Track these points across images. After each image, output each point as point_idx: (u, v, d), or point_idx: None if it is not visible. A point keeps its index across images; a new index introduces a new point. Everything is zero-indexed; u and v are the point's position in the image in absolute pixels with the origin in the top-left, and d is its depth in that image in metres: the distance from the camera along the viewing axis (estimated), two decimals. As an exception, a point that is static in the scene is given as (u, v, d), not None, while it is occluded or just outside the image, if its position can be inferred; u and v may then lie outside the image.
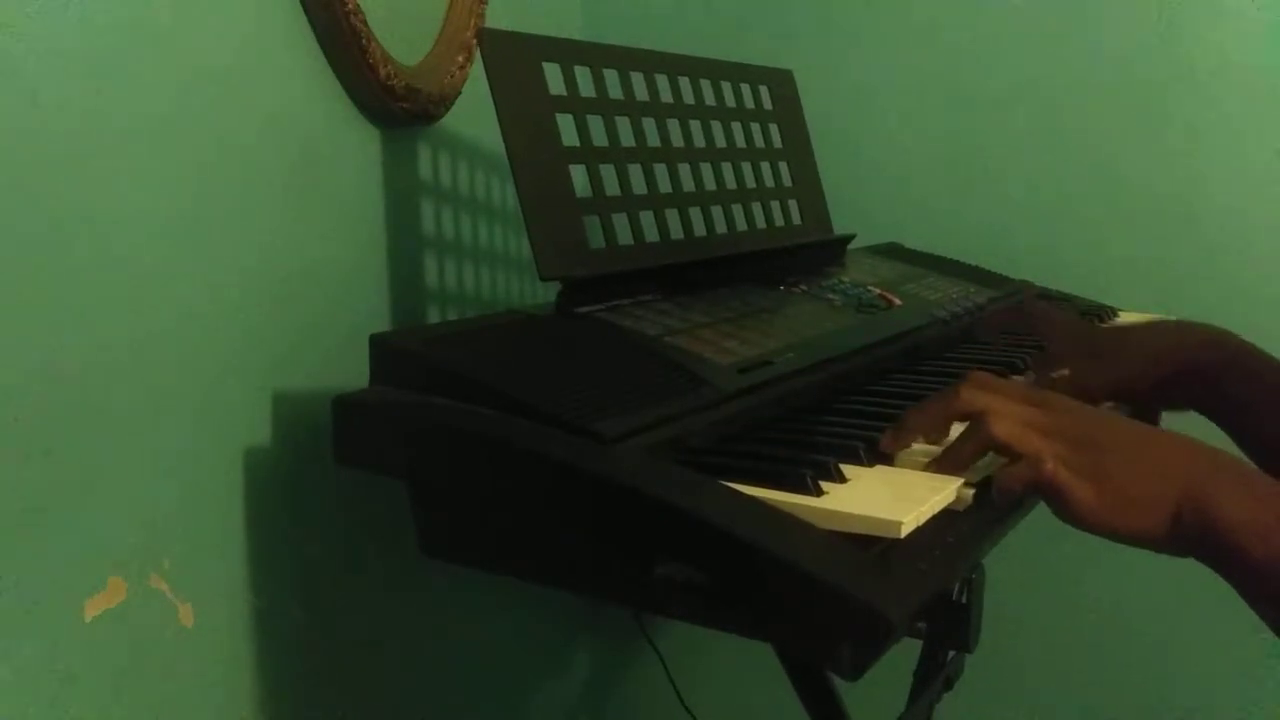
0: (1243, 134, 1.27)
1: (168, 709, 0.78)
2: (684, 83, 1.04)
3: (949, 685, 1.01)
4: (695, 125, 1.04)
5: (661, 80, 1.01)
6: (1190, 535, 0.61)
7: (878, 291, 1.08)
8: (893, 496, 0.61)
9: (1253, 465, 0.64)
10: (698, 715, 1.48)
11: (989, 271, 1.28)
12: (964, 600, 0.58)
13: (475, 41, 1.04)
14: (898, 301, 1.07)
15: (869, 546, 0.56)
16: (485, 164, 1.16)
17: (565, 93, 0.89)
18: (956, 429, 0.68)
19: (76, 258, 0.70)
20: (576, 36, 1.24)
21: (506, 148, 0.83)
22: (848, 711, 1.10)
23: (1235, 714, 1.33)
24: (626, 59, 0.98)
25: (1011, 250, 1.33)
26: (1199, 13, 1.27)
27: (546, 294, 0.86)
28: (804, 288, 1.03)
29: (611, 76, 0.95)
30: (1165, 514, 0.61)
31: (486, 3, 1.08)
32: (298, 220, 0.89)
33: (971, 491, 0.63)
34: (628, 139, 0.95)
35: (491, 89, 0.83)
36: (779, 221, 1.14)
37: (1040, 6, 1.33)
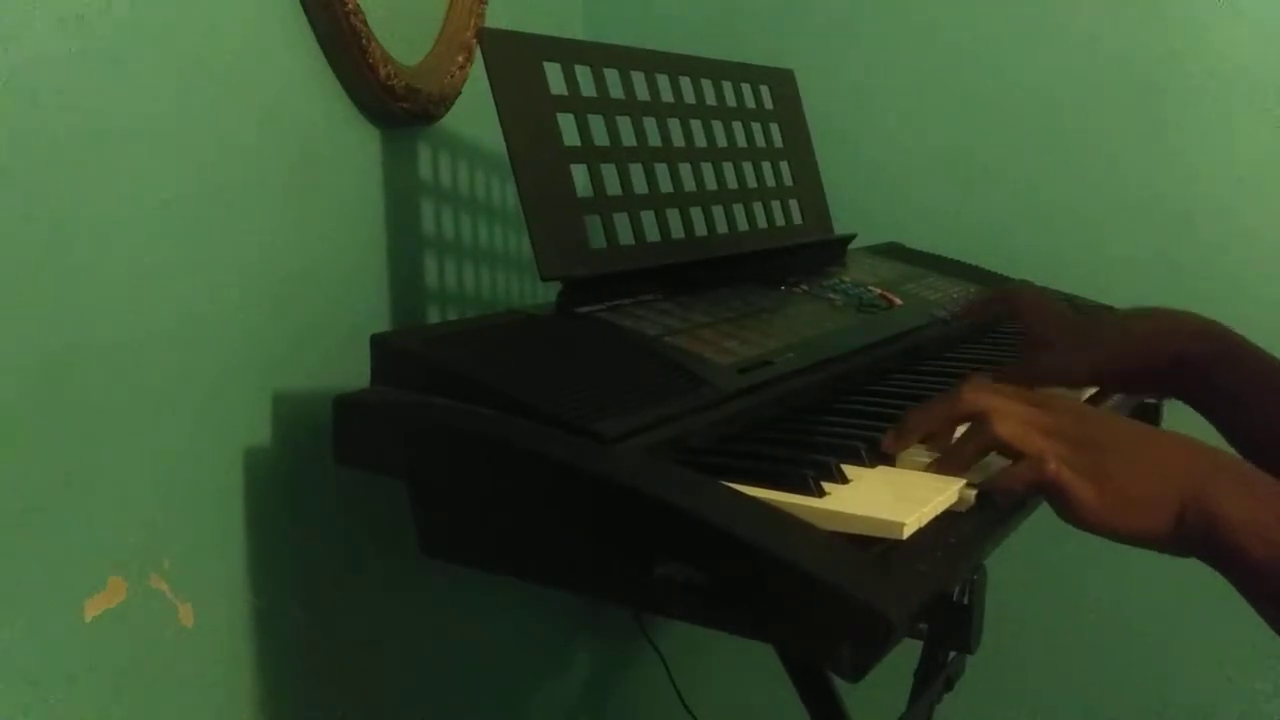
0: (1242, 134, 1.27)
1: (168, 709, 0.78)
2: (685, 82, 1.04)
3: (949, 686, 1.01)
4: (696, 125, 1.04)
5: (663, 80, 1.01)
6: (1192, 535, 0.61)
7: (878, 291, 1.08)
8: (895, 497, 0.61)
9: (1252, 465, 0.64)
10: (698, 715, 1.48)
11: (989, 271, 1.28)
12: (965, 601, 0.58)
13: (475, 41, 1.04)
14: (898, 301, 1.07)
15: (870, 547, 0.56)
16: (485, 164, 1.16)
17: (566, 92, 0.89)
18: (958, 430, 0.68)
19: (76, 258, 0.70)
20: (577, 36, 1.24)
21: (508, 147, 0.83)
22: (848, 712, 1.10)
23: (1236, 714, 1.33)
24: (627, 58, 0.98)
25: (1011, 250, 1.33)
26: (1199, 12, 1.27)
27: (547, 294, 0.86)
28: (805, 287, 1.03)
29: (612, 76, 0.95)
30: (1167, 514, 0.61)
31: (486, 3, 1.08)
32: (298, 220, 0.89)
33: (974, 492, 0.63)
34: (629, 138, 0.95)
35: (492, 88, 0.83)
36: (780, 221, 1.14)
37: (1040, 6, 1.33)
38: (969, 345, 1.07)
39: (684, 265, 0.93)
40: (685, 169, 1.00)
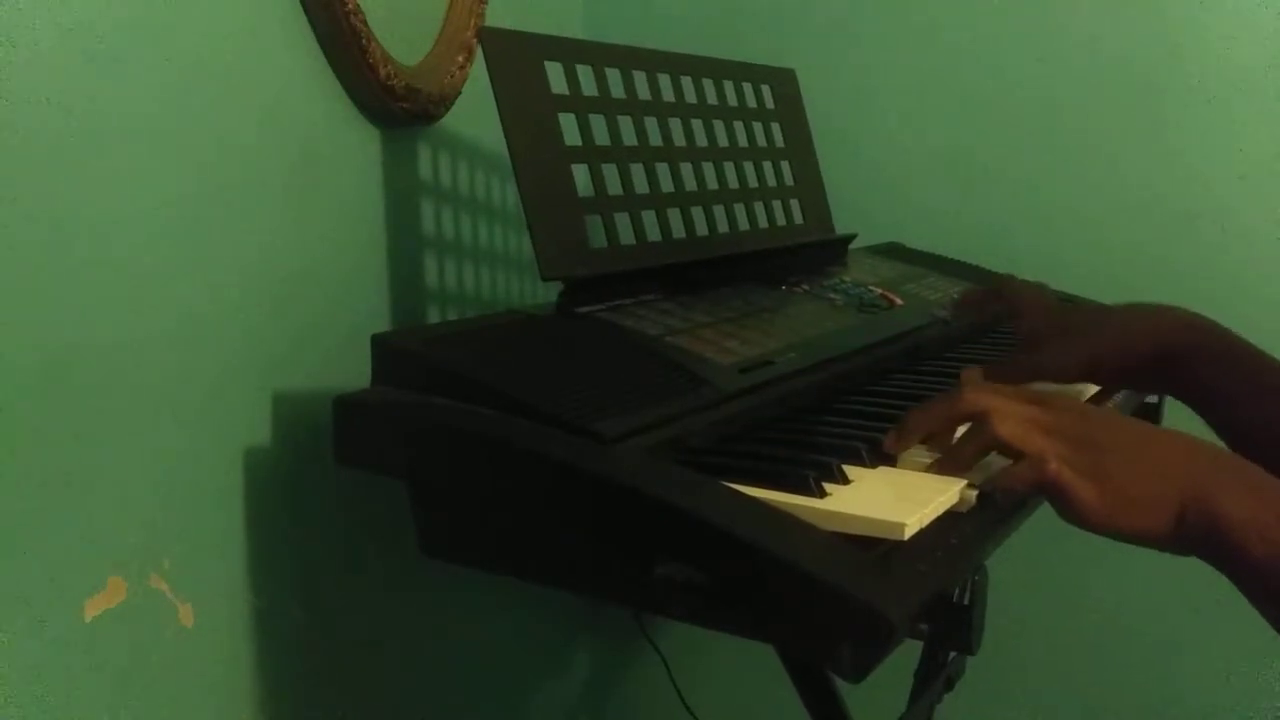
0: (1243, 134, 1.27)
1: (168, 709, 0.78)
2: (686, 82, 1.04)
3: (950, 686, 1.01)
4: (697, 124, 1.04)
5: (664, 79, 1.01)
6: (1193, 534, 0.61)
7: (879, 291, 1.08)
8: (896, 498, 0.61)
9: (1253, 464, 0.64)
10: (698, 715, 1.48)
11: (989, 271, 1.28)
12: (966, 602, 0.58)
13: (475, 41, 1.04)
14: (899, 301, 1.07)
15: (871, 548, 0.56)
16: (485, 164, 1.16)
17: (567, 92, 0.89)
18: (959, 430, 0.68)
19: (76, 258, 0.70)
20: (577, 36, 1.24)
21: (509, 147, 0.83)
22: (848, 712, 1.10)
23: (1237, 714, 1.33)
24: (629, 58, 0.98)
25: (1011, 250, 1.33)
26: (1199, 12, 1.27)
27: (547, 294, 0.86)
28: (805, 287, 1.03)
29: (614, 75, 0.95)
30: (1168, 513, 0.61)
31: (486, 2, 1.08)
32: (298, 220, 0.89)
33: (975, 493, 0.63)
34: (630, 138, 0.95)
35: (494, 88, 0.83)
36: (781, 221, 1.14)
37: (1040, 6, 1.33)
38: (969, 345, 1.07)
39: (685, 265, 0.93)
40: (686, 168, 1.00)
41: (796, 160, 1.19)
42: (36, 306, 0.67)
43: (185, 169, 0.78)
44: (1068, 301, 1.23)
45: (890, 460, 0.68)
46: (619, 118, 0.94)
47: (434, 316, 1.08)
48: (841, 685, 1.11)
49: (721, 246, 1.01)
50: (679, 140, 1.01)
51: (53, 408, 0.68)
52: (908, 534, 0.56)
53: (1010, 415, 0.64)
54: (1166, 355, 0.82)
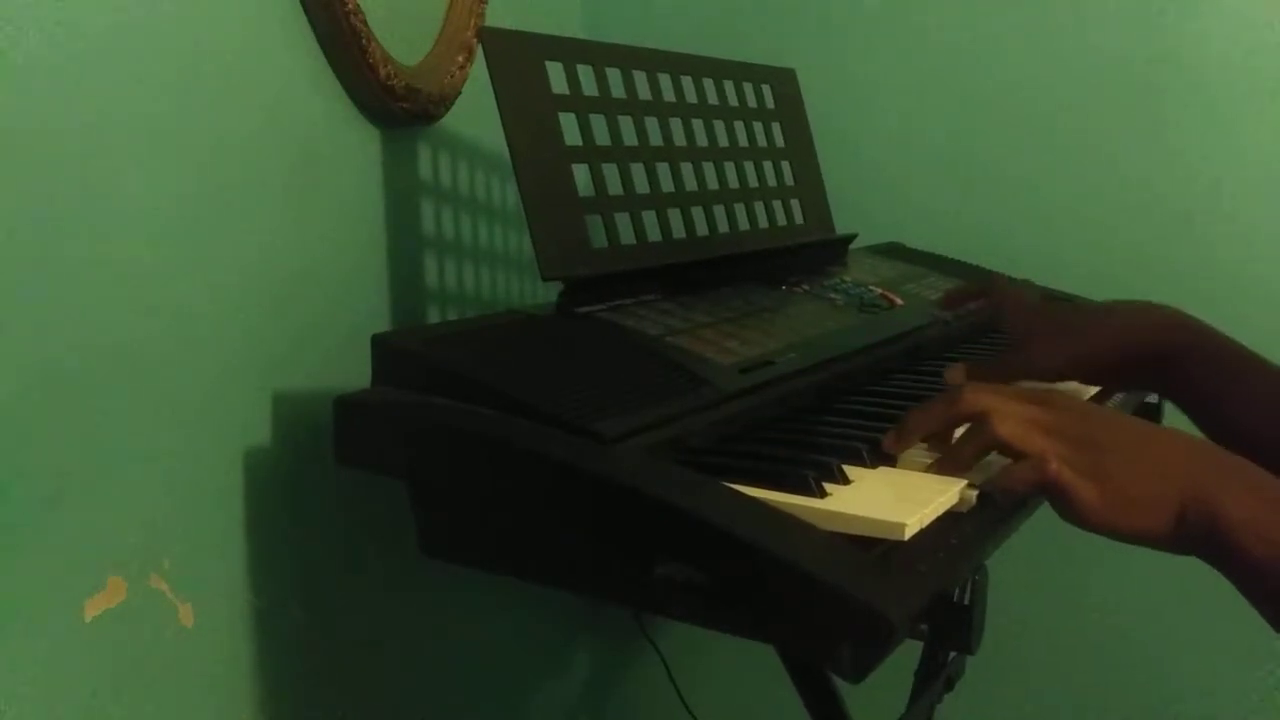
0: (1243, 134, 1.27)
1: (168, 709, 0.78)
2: (686, 82, 1.04)
3: (950, 686, 1.01)
4: (698, 124, 1.04)
5: (664, 79, 1.01)
6: (1193, 534, 0.61)
7: (879, 291, 1.08)
8: (896, 498, 0.61)
9: (1254, 464, 0.64)
10: (698, 715, 1.48)
11: (989, 271, 1.28)
12: (966, 601, 0.58)
13: (475, 41, 1.04)
14: (899, 301, 1.07)
15: (871, 548, 0.56)
16: (485, 164, 1.16)
17: (568, 91, 0.89)
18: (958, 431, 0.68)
19: (76, 258, 0.70)
20: (577, 36, 1.24)
21: (509, 147, 0.83)
22: (848, 712, 1.10)
23: (1236, 714, 1.33)
24: (629, 58, 0.98)
25: (1011, 250, 1.33)
26: (1199, 12, 1.27)
27: (547, 294, 0.86)
28: (806, 287, 1.03)
29: (614, 75, 0.95)
30: (1168, 513, 0.61)
31: (486, 2, 1.08)
32: (298, 220, 0.89)
33: (975, 493, 0.63)
34: (630, 138, 0.95)
35: (494, 88, 0.83)
36: (781, 221, 1.14)
37: (1040, 6, 1.33)
38: (969, 345, 1.07)
39: (685, 265, 0.93)
40: (687, 168, 1.00)
41: (797, 160, 1.19)
42: (36, 306, 0.67)
43: (185, 169, 0.78)
44: (1058, 300, 1.23)
45: (890, 460, 0.68)
46: (619, 117, 0.94)
47: (434, 316, 1.08)
48: (841, 685, 1.11)
49: (722, 246, 1.01)
50: (679, 140, 1.01)
51: (53, 408, 0.68)
52: (908, 534, 0.56)
53: (1010, 415, 0.64)
54: (1153, 354, 0.82)
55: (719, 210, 1.04)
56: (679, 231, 0.97)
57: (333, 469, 0.73)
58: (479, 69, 1.02)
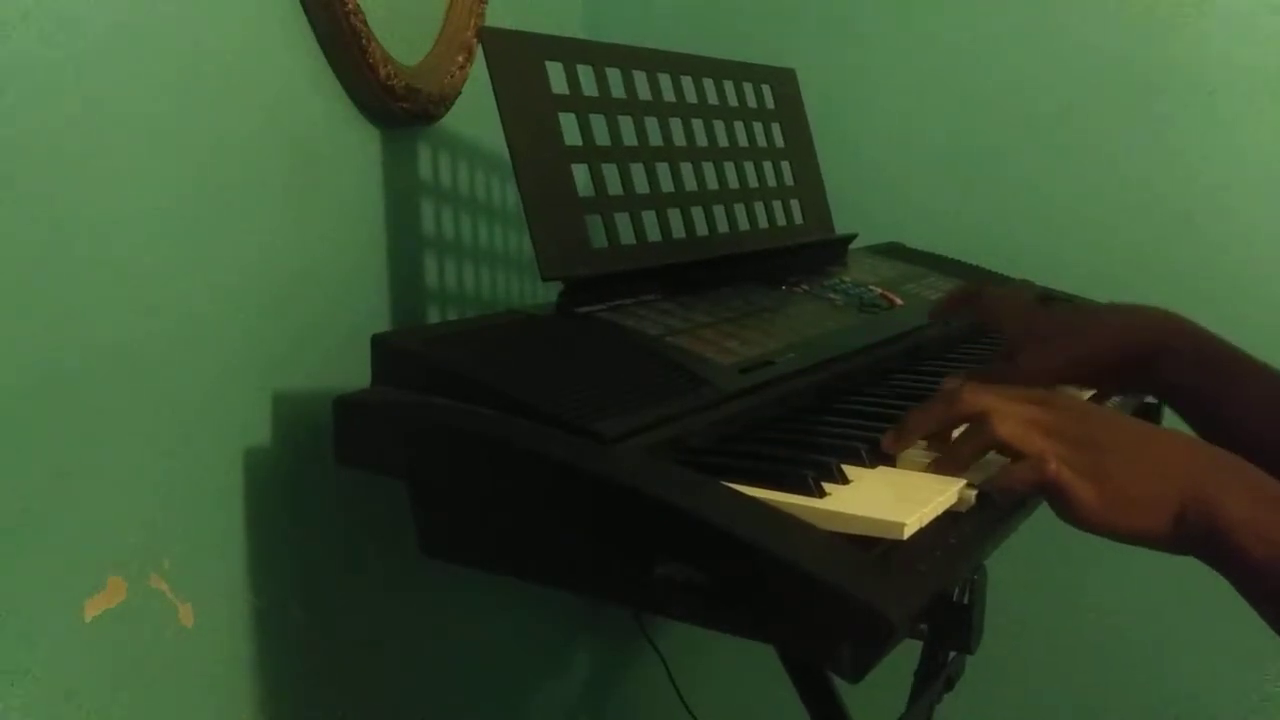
0: (1243, 134, 1.27)
1: (168, 709, 0.78)
2: (686, 82, 1.04)
3: (949, 686, 1.01)
4: (697, 124, 1.04)
5: (664, 79, 1.01)
6: (1193, 535, 0.61)
7: (879, 291, 1.08)
8: (895, 498, 0.61)
9: (1253, 465, 0.64)
10: (698, 715, 1.48)
11: (989, 271, 1.28)
12: (965, 601, 0.58)
13: (475, 41, 1.04)
14: (899, 301, 1.07)
15: (871, 547, 0.56)
16: (485, 164, 1.16)
17: (568, 91, 0.89)
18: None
19: (76, 258, 0.70)
20: (577, 36, 1.24)
21: (509, 147, 0.83)
22: (848, 712, 1.10)
23: (1236, 714, 1.33)
24: (629, 58, 0.98)
25: (1011, 250, 1.33)
26: (1199, 12, 1.27)
27: (547, 294, 0.86)
28: (806, 287, 1.03)
29: (614, 75, 0.95)
30: (1167, 513, 0.61)
31: (486, 2, 1.08)
32: (298, 220, 0.89)
33: (974, 493, 0.63)
34: (630, 138, 0.95)
35: (494, 88, 0.83)
36: (781, 221, 1.14)
37: (1040, 7, 1.33)
38: (969, 345, 1.07)
39: (685, 265, 0.93)
40: (686, 168, 1.00)
41: (796, 160, 1.19)
42: (37, 306, 0.67)
43: (185, 169, 0.78)
44: (1056, 299, 1.23)
45: (890, 460, 0.68)
46: (619, 118, 0.94)
47: (434, 316, 1.08)
48: (841, 685, 1.11)
49: (721, 246, 1.01)
50: (679, 140, 1.01)
51: (53, 407, 0.68)
52: (907, 534, 0.56)
53: (1010, 415, 0.64)
54: (1144, 356, 0.82)
55: (719, 210, 1.04)
56: (679, 231, 0.97)
57: (333, 469, 0.73)
58: (479, 69, 1.02)
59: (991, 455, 0.66)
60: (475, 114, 1.07)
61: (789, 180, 1.17)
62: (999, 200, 1.37)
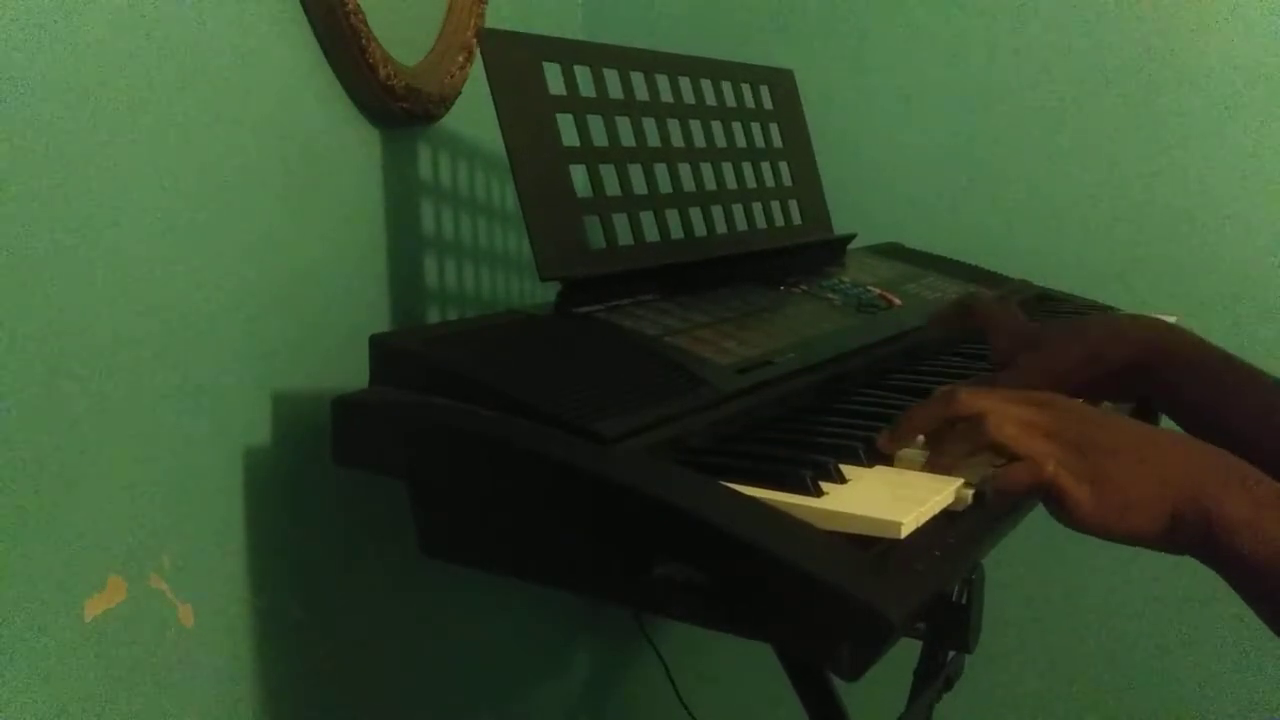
0: (1244, 134, 1.27)
1: (168, 709, 0.78)
2: (684, 82, 1.04)
3: (949, 685, 1.01)
4: (696, 125, 1.04)
5: (662, 80, 1.01)
6: (1190, 535, 0.61)
7: (878, 291, 1.08)
8: (892, 497, 0.61)
9: (1251, 465, 0.64)
10: (698, 715, 1.48)
11: (989, 271, 1.28)
12: (964, 601, 0.58)
13: (475, 41, 1.04)
14: (898, 301, 1.07)
15: (869, 547, 0.56)
16: (485, 164, 1.16)
17: (565, 92, 0.90)
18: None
19: (76, 258, 0.70)
20: (576, 36, 1.24)
21: (507, 148, 0.83)
22: (848, 712, 1.10)
23: (1236, 714, 1.33)
24: (627, 59, 0.98)
25: (1011, 250, 1.33)
26: (1199, 13, 1.27)
27: (546, 294, 0.86)
28: (804, 288, 1.03)
29: (612, 76, 0.95)
30: (1164, 515, 0.61)
31: (486, 3, 1.08)
32: (298, 220, 0.89)
33: (971, 492, 0.63)
34: (628, 139, 0.95)
35: (492, 89, 0.83)
36: (779, 221, 1.14)
37: (1040, 7, 1.33)
38: (969, 345, 1.07)
39: (683, 265, 0.93)
40: (684, 169, 1.00)
41: (795, 161, 1.20)
42: (36, 306, 0.67)
43: (185, 169, 0.78)
44: (1051, 299, 1.23)
45: (888, 460, 0.68)
46: (617, 118, 0.94)
47: (434, 316, 1.08)
48: (840, 684, 1.11)
49: (720, 247, 1.02)
50: (677, 141, 1.01)
51: (53, 407, 0.69)
52: (904, 533, 0.56)
53: (1007, 416, 0.64)
54: (1135, 365, 0.82)
55: (717, 211, 1.04)
56: (677, 232, 0.98)
57: (333, 469, 0.74)
58: (479, 69, 1.02)
59: (991, 454, 0.66)
60: (475, 114, 1.07)
61: (787, 181, 1.17)
62: (998, 200, 1.37)
